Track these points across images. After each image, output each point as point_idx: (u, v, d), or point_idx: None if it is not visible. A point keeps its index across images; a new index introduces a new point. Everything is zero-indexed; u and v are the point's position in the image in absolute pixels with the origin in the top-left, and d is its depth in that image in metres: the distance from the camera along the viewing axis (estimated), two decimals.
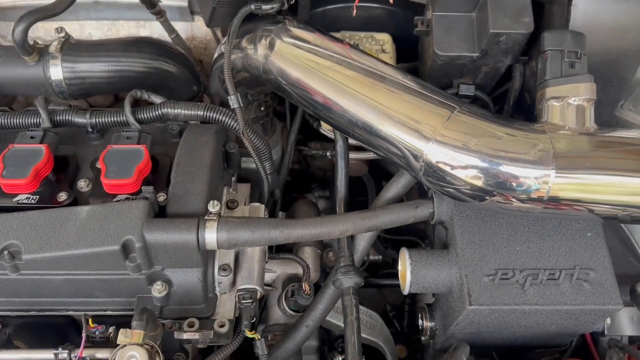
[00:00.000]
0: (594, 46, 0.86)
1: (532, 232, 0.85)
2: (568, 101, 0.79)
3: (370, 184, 1.33)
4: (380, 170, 1.31)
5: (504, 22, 0.87)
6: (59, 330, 0.92)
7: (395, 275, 1.43)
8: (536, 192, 0.76)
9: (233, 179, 1.05)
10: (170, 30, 1.23)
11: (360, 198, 1.40)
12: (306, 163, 1.51)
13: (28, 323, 0.89)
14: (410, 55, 1.15)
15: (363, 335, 1.08)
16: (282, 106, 1.30)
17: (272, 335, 0.99)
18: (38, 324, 0.89)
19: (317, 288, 1.07)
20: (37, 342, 0.88)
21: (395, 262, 1.44)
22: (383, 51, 1.10)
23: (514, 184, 0.77)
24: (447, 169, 0.78)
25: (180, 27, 1.29)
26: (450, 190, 0.81)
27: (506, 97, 1.03)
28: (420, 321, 0.97)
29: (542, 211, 0.78)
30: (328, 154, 1.18)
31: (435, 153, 0.78)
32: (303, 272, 0.97)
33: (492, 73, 0.98)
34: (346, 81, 0.86)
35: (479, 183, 0.78)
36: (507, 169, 0.77)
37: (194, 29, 1.32)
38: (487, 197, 0.79)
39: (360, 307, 1.10)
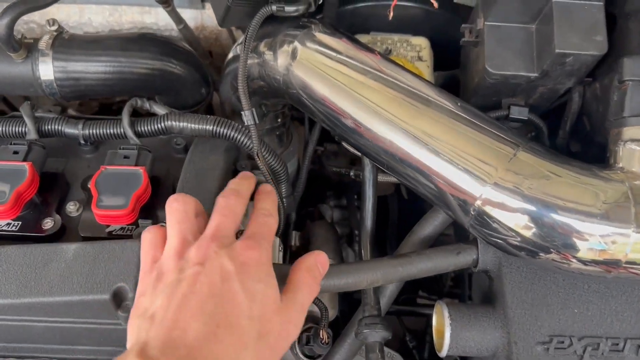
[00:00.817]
0: None
1: (593, 291, 0.73)
2: None
3: (393, 205, 1.21)
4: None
5: (572, 41, 0.73)
6: None
7: (414, 300, 1.33)
8: (603, 253, 0.64)
9: None
10: (178, 20, 1.09)
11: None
12: (320, 163, 1.38)
13: None
14: (447, 62, 1.02)
15: None
16: (300, 111, 1.17)
17: None
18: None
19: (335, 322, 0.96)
20: None
21: (415, 284, 1.33)
22: (420, 59, 0.96)
23: (575, 241, 0.64)
24: (503, 219, 0.66)
25: (188, 15, 1.16)
26: (500, 242, 0.68)
27: (559, 118, 0.90)
28: None
29: (618, 276, 0.65)
30: (352, 173, 1.05)
31: (491, 200, 0.65)
32: (321, 315, 0.86)
33: (548, 94, 0.84)
34: (383, 103, 0.73)
35: (534, 236, 0.65)
36: (567, 221, 0.64)
37: (204, 18, 1.19)
38: (541, 254, 0.67)
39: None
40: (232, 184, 0.74)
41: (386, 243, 1.31)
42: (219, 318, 0.56)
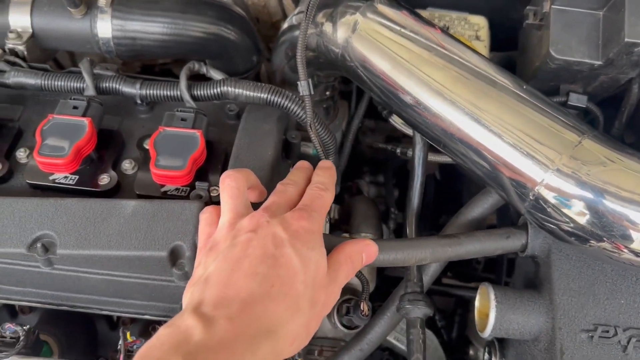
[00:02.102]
0: None
1: None
2: None
3: (429, 186, 1.20)
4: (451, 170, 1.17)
5: None
6: (90, 324, 0.84)
7: (443, 281, 1.33)
8: None
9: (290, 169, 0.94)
10: None
11: None
12: (357, 139, 1.38)
13: (56, 316, 0.81)
14: (504, 43, 1.00)
15: None
16: (347, 85, 1.17)
17: (319, 349, 0.90)
18: (67, 315, 0.81)
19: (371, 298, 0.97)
20: (66, 338, 0.80)
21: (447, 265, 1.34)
22: (477, 38, 0.95)
23: (628, 231, 0.64)
24: (562, 205, 0.65)
25: None
26: (552, 227, 0.68)
27: (618, 111, 0.89)
28: (487, 355, 0.87)
29: None
30: (398, 150, 1.05)
31: (552, 186, 0.65)
32: (362, 289, 0.87)
33: (609, 83, 0.83)
34: (446, 81, 0.72)
35: (587, 224, 0.65)
36: (624, 210, 0.64)
37: None
38: (592, 241, 0.66)
39: None
40: (291, 174, 0.74)
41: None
42: (273, 279, 0.56)
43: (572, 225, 0.67)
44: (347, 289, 0.92)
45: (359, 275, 0.88)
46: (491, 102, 0.69)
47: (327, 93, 1.03)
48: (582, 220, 0.66)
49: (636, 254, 0.66)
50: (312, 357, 0.90)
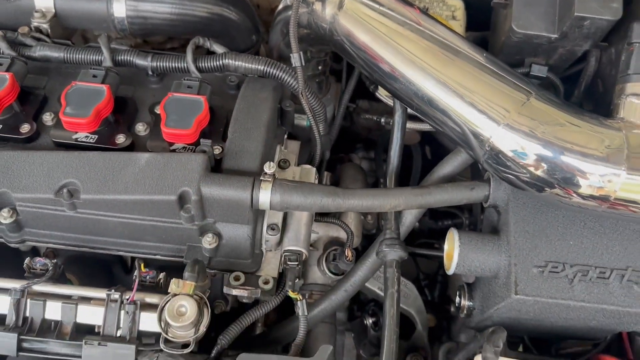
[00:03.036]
0: None
1: (588, 228, 0.83)
2: None
3: (417, 154, 1.31)
4: (432, 141, 1.28)
5: (590, 6, 0.82)
6: (108, 267, 0.95)
7: (430, 245, 1.44)
8: (599, 189, 0.74)
9: (285, 136, 1.05)
10: None
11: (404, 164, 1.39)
12: (351, 119, 1.49)
13: (79, 258, 0.92)
14: (480, 24, 1.11)
15: None
16: (339, 63, 1.27)
17: (309, 293, 1.01)
18: (88, 259, 0.93)
19: (357, 251, 1.08)
20: (87, 277, 0.92)
21: (432, 231, 1.44)
22: (454, 18, 1.06)
23: (577, 179, 0.75)
24: (513, 155, 0.76)
25: None
26: (511, 177, 0.79)
27: (577, 81, 0.99)
28: (458, 299, 0.98)
29: (605, 210, 0.76)
30: (382, 120, 1.15)
31: (503, 138, 0.76)
32: (347, 238, 0.98)
33: (567, 55, 0.94)
34: (417, 52, 0.83)
35: (542, 173, 0.76)
36: (574, 162, 0.74)
37: None
38: (546, 188, 0.77)
39: None
40: None
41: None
42: None
43: (529, 175, 0.77)
44: (334, 241, 1.03)
45: (344, 226, 1.00)
46: (454, 68, 0.80)
47: (320, 68, 1.13)
48: (539, 171, 0.76)
49: (583, 197, 0.76)
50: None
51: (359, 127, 1.50)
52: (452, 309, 1.24)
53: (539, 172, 0.76)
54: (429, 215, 1.43)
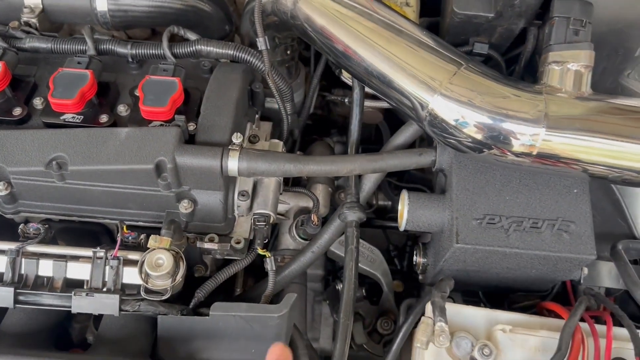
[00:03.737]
0: (603, 15, 0.91)
1: (523, 185, 0.93)
2: (567, 66, 0.85)
3: (385, 132, 1.41)
4: (396, 119, 1.38)
5: None
6: (95, 237, 1.04)
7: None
8: (528, 147, 0.84)
9: (257, 116, 1.15)
10: None
11: (375, 146, 1.49)
12: (328, 109, 1.59)
13: (69, 228, 1.01)
14: (434, 11, 1.21)
15: (363, 267, 1.19)
16: (308, 51, 1.37)
17: (281, 257, 1.11)
18: (77, 229, 1.02)
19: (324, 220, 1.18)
20: (77, 245, 1.01)
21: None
22: (407, 4, 1.16)
23: (510, 139, 0.85)
24: (450, 121, 0.86)
25: None
26: (452, 141, 0.89)
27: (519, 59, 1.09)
28: (415, 257, 1.08)
29: (531, 165, 0.86)
30: (346, 100, 1.25)
31: (439, 105, 0.86)
32: (313, 205, 1.08)
33: (506, 34, 1.04)
34: (366, 32, 0.93)
35: (479, 136, 0.86)
36: (505, 125, 0.85)
37: None
38: (485, 150, 0.87)
39: (363, 242, 1.21)
40: None
41: None
42: None
43: (469, 140, 0.87)
44: (303, 210, 1.13)
45: (311, 195, 1.09)
46: (397, 45, 0.90)
47: (288, 53, 1.23)
48: (478, 135, 0.86)
49: (516, 154, 0.86)
50: (277, 264, 1.10)
51: (335, 116, 1.60)
52: (420, 277, 1.35)
53: (476, 135, 0.86)
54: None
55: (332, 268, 1.37)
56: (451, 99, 0.85)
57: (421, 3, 1.20)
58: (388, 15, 0.94)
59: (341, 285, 1.27)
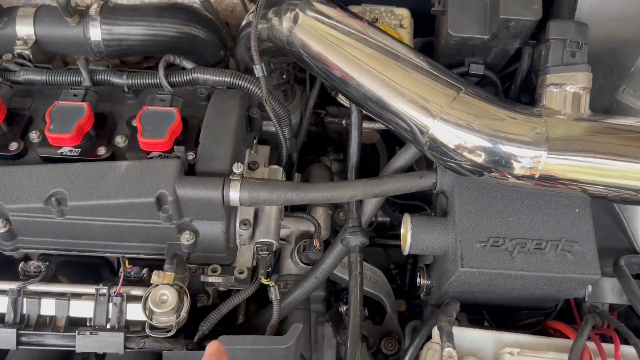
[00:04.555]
0: (597, 35, 0.92)
1: (525, 206, 0.94)
2: (565, 88, 0.86)
3: (382, 150, 1.41)
4: (393, 138, 1.38)
5: (514, 9, 0.92)
6: (96, 270, 1.03)
7: (400, 236, 1.54)
8: (529, 170, 0.84)
9: (255, 141, 1.14)
10: None
11: (372, 162, 1.49)
12: (323, 126, 1.58)
13: (69, 262, 1.00)
14: (428, 30, 1.21)
15: (366, 288, 1.19)
16: (303, 73, 1.37)
17: (284, 283, 1.10)
18: (78, 263, 1.01)
19: (327, 244, 1.18)
20: (77, 280, 1.00)
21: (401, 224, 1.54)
22: (401, 26, 1.16)
23: (511, 162, 0.85)
24: (450, 145, 0.86)
25: None
26: (452, 165, 0.89)
27: (514, 77, 1.10)
28: (418, 279, 1.07)
29: (533, 188, 0.86)
30: (344, 122, 1.25)
31: (440, 130, 0.86)
32: (315, 229, 1.07)
33: (501, 54, 1.04)
34: (363, 58, 0.93)
35: (479, 160, 0.86)
36: (505, 148, 0.85)
37: None
38: (485, 173, 0.87)
39: (365, 263, 1.20)
40: None
41: None
42: None
43: (469, 163, 0.87)
44: (304, 234, 1.12)
45: (312, 219, 1.09)
46: (395, 71, 0.90)
47: (284, 77, 1.23)
48: (477, 158, 0.86)
49: (517, 177, 0.86)
50: (280, 290, 1.10)
51: (330, 132, 1.60)
52: (421, 295, 1.35)
53: (476, 159, 0.86)
54: (400, 210, 1.53)
55: (334, 289, 1.36)
56: (452, 124, 0.85)
57: (414, 23, 1.20)
58: (385, 41, 0.94)
59: (344, 308, 1.27)
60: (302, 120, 1.35)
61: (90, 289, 0.87)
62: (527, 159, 0.84)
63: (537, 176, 0.84)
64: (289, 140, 1.13)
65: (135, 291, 0.87)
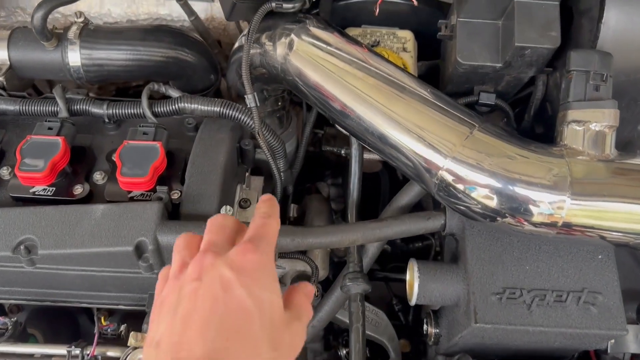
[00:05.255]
0: (621, 65, 0.84)
1: (543, 252, 0.85)
2: (589, 126, 0.77)
3: (384, 179, 1.33)
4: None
5: (530, 36, 0.84)
6: (72, 319, 0.94)
7: (403, 269, 1.45)
8: (549, 217, 0.76)
9: (247, 174, 1.06)
10: (190, 12, 1.22)
11: (372, 192, 1.40)
12: (320, 145, 1.50)
13: (43, 311, 0.92)
14: (432, 53, 1.13)
15: (368, 332, 1.10)
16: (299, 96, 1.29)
17: None
18: (52, 311, 0.92)
19: (326, 284, 1.09)
20: (51, 331, 0.91)
21: (404, 254, 1.45)
22: (404, 50, 1.08)
23: (528, 208, 0.76)
24: (462, 187, 0.78)
25: (200, 7, 1.27)
26: (462, 208, 0.81)
27: (527, 105, 1.01)
28: (425, 326, 0.99)
29: (555, 236, 0.77)
30: (343, 152, 1.17)
31: (451, 171, 0.77)
32: (312, 272, 0.99)
33: (514, 82, 0.96)
34: (365, 88, 0.85)
35: (492, 204, 0.78)
36: (521, 191, 0.76)
37: (214, 10, 1.31)
38: (498, 218, 0.79)
39: (367, 304, 1.12)
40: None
41: (378, 213, 1.43)
42: (228, 331, 0.52)
43: (480, 206, 0.79)
44: (301, 276, 1.03)
45: (309, 261, 1.00)
46: (400, 104, 0.81)
47: (279, 104, 1.15)
48: (489, 202, 0.78)
49: (535, 225, 0.78)
50: None
51: (328, 153, 1.51)
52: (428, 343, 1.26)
53: (489, 203, 0.78)
54: (400, 238, 1.44)
55: (331, 327, 1.28)
56: (464, 164, 0.77)
57: (418, 46, 1.12)
58: (388, 70, 0.86)
59: (344, 352, 1.18)
60: (298, 146, 1.26)
61: (61, 350, 0.79)
62: (546, 204, 0.76)
63: (560, 224, 0.75)
64: (283, 174, 1.05)
65: (112, 352, 0.79)
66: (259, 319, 0.54)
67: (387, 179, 1.34)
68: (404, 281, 1.37)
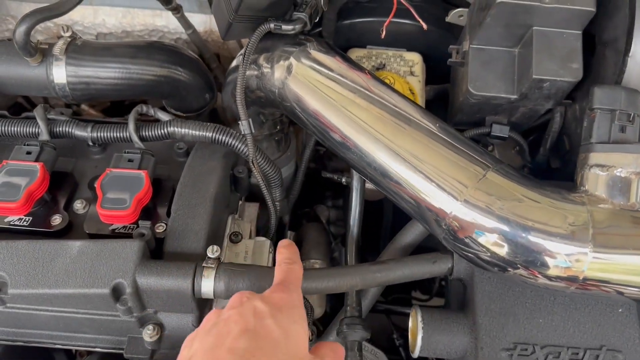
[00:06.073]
0: None
1: (558, 304, 0.78)
2: (614, 171, 0.70)
3: (387, 209, 1.26)
4: None
5: (549, 67, 0.77)
6: (48, 358, 0.88)
7: (404, 301, 1.38)
8: (566, 270, 0.69)
9: (240, 202, 0.99)
10: (187, 25, 1.16)
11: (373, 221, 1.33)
12: (322, 162, 1.43)
13: (16, 351, 0.85)
14: (441, 76, 1.06)
15: None
16: None
17: None
18: (27, 351, 0.85)
19: (324, 320, 1.02)
20: None
21: (406, 283, 1.38)
22: (412, 73, 1.01)
23: (542, 259, 0.69)
24: (473, 234, 0.71)
25: (198, 19, 1.21)
26: (471, 256, 0.74)
27: (542, 133, 0.94)
28: None
29: (574, 291, 0.70)
30: (343, 180, 1.10)
31: (461, 216, 0.70)
32: (307, 313, 0.91)
33: (529, 114, 0.89)
34: (368, 119, 0.78)
35: (504, 253, 0.70)
36: (536, 241, 0.69)
37: (212, 23, 1.25)
38: (510, 269, 0.72)
39: (366, 344, 1.04)
40: None
41: (379, 243, 1.36)
42: (255, 351, 0.56)
43: (489, 254, 0.72)
44: None
45: (304, 301, 0.93)
46: (406, 139, 0.74)
47: (277, 127, 1.08)
48: (499, 250, 0.71)
49: (550, 278, 0.71)
50: None
51: (329, 170, 1.44)
52: None
53: (500, 252, 0.71)
54: None
55: None
56: (478, 209, 0.70)
57: (426, 68, 1.05)
58: (392, 99, 0.79)
59: None
60: (297, 171, 1.19)
61: None
62: (564, 256, 0.69)
63: (580, 278, 0.68)
64: (279, 204, 0.98)
65: None
66: (285, 346, 0.58)
67: (391, 206, 1.27)
68: (406, 314, 1.31)
